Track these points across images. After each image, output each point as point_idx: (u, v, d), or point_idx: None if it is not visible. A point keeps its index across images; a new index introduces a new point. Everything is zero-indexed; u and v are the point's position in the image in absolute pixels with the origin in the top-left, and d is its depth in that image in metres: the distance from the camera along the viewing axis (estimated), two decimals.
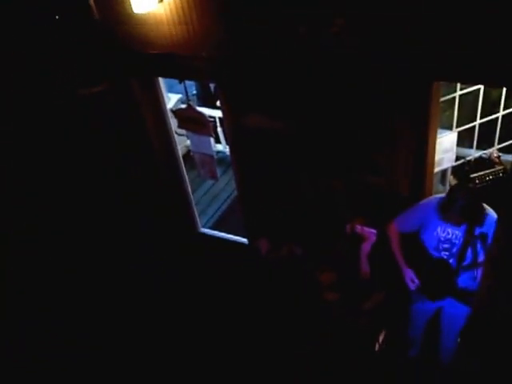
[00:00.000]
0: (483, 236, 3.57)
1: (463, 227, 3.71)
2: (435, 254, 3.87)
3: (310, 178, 4.66)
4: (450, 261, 3.81)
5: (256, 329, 4.85)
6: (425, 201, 3.96)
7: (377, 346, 4.66)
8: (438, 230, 3.79)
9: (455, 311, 3.97)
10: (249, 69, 4.27)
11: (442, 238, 3.80)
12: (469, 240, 3.67)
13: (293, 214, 4.90)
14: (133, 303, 5.26)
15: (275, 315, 4.72)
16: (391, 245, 4.08)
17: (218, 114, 6.76)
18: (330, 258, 4.69)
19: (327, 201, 4.70)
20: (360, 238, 4.41)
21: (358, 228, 4.37)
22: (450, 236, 3.76)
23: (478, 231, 3.63)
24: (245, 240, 5.67)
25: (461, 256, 3.75)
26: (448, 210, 3.66)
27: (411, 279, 3.97)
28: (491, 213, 3.68)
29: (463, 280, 3.81)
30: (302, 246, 4.79)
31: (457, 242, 3.74)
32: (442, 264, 3.84)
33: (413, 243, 4.01)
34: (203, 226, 6.25)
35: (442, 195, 3.85)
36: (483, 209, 3.66)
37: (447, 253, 3.80)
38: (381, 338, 4.74)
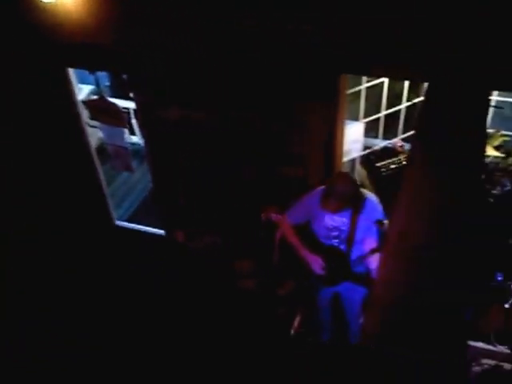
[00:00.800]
0: (380, 222, 3.75)
1: (348, 213, 3.85)
2: (326, 242, 4.04)
3: (226, 168, 4.72)
4: (341, 247, 4.01)
5: (176, 317, 4.87)
6: (311, 192, 4.05)
7: (292, 331, 4.82)
8: (326, 219, 3.94)
9: (352, 294, 4.21)
10: (159, 60, 4.24)
11: (331, 226, 3.95)
12: (354, 225, 3.85)
13: (210, 204, 4.94)
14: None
15: (194, 305, 4.76)
16: (287, 237, 4.18)
17: (131, 105, 6.62)
18: (247, 247, 4.79)
19: (243, 190, 4.79)
20: (275, 226, 4.53)
21: (273, 216, 4.47)
22: (337, 224, 3.93)
23: (374, 218, 3.81)
24: (162, 232, 5.65)
25: (349, 241, 3.94)
26: (327, 199, 3.75)
27: (320, 264, 4.07)
28: (370, 196, 3.91)
29: (357, 264, 4.00)
30: (220, 236, 4.85)
31: (344, 228, 3.91)
32: (334, 251, 4.04)
33: (306, 234, 4.16)
34: (119, 219, 6.14)
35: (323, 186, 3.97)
36: (361, 194, 3.84)
37: (337, 240, 4.00)
38: (296, 323, 4.91)
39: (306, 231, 4.14)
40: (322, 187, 3.95)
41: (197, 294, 4.83)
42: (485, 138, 2.43)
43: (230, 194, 4.80)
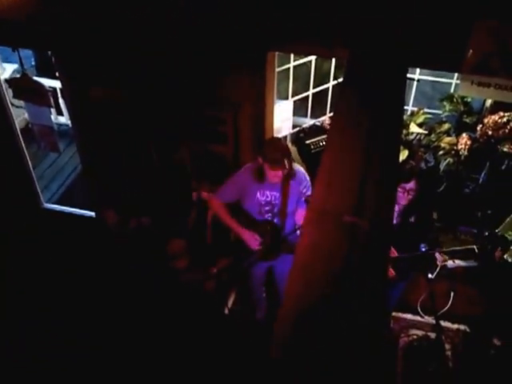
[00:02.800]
0: (307, 199, 3.82)
1: (278, 187, 3.92)
2: (259, 217, 4.10)
3: (156, 148, 4.66)
4: (275, 220, 4.07)
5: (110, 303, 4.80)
6: (241, 170, 4.09)
7: (226, 309, 4.86)
8: (258, 194, 3.99)
9: (287, 265, 4.27)
10: (84, 37, 4.11)
11: (263, 202, 4.02)
12: (286, 197, 3.92)
13: (140, 184, 4.87)
14: None
15: (128, 287, 4.70)
16: (220, 216, 4.19)
17: (58, 84, 6.41)
18: (178, 226, 4.76)
19: (174, 170, 4.75)
20: (207, 205, 4.53)
21: (205, 194, 4.47)
22: (269, 198, 4.00)
23: (303, 188, 3.90)
24: (92, 213, 5.53)
25: (282, 214, 4.01)
26: (260, 173, 3.84)
27: (255, 239, 4.11)
28: (299, 169, 3.99)
29: (291, 236, 3.99)
30: (150, 216, 4.79)
31: (276, 202, 3.99)
32: (268, 225, 4.10)
33: (238, 211, 4.20)
34: (47, 202, 5.96)
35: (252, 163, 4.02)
36: (292, 163, 3.87)
37: (270, 214, 4.06)
38: (230, 302, 4.95)
39: (238, 208, 4.18)
40: (251, 163, 3.99)
41: (128, 276, 4.78)
42: (402, 113, 2.51)
43: (160, 173, 4.75)
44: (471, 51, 3.49)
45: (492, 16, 3.33)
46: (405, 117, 4.95)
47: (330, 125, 2.17)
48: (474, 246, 3.73)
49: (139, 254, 4.70)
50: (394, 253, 3.94)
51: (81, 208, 5.71)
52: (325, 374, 1.83)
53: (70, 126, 5.34)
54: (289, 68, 4.65)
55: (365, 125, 1.96)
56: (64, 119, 7.17)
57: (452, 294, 4.63)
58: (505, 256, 4.27)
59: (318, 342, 1.68)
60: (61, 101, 6.90)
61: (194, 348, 4.43)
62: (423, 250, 3.83)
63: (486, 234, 4.34)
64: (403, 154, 4.69)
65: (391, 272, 4.01)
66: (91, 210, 5.53)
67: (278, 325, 1.82)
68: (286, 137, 5.11)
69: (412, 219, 4.04)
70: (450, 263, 4.72)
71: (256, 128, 4.37)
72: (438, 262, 4.10)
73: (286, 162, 3.70)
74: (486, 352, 4.32)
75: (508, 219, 4.19)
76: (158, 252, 4.55)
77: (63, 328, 4.83)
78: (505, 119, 4.59)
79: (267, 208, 4.03)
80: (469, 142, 4.63)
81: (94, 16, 3.91)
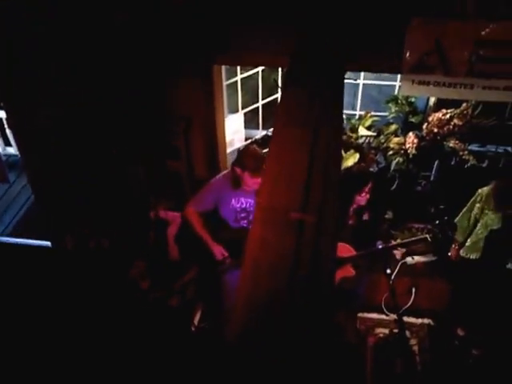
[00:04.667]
0: None
1: (253, 194, 3.95)
2: (235, 225, 4.11)
3: (109, 168, 4.60)
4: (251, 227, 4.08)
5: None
6: (215, 179, 4.12)
7: (192, 326, 4.79)
8: (233, 202, 4.02)
9: None
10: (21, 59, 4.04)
11: (238, 209, 4.04)
12: None
13: (96, 206, 4.79)
14: None
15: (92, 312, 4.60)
16: (193, 226, 4.18)
17: (3, 114, 6.27)
18: (138, 247, 4.70)
19: (130, 189, 4.70)
20: (165, 223, 4.50)
21: (162, 213, 4.44)
22: (244, 205, 4.03)
23: None
24: (48, 243, 5.39)
25: None
26: (237, 182, 3.89)
27: (221, 253, 4.11)
28: None
29: None
30: (109, 238, 4.72)
31: (251, 209, 4.02)
32: (244, 232, 4.09)
33: (213, 220, 4.20)
34: (0, 235, 5.79)
35: (228, 170, 4.08)
36: None
37: (245, 221, 4.08)
38: (197, 319, 4.88)
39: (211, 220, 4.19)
40: (226, 172, 4.04)
41: (92, 300, 4.68)
42: (342, 111, 2.58)
43: (115, 194, 4.69)
44: (408, 51, 3.62)
45: (425, 14, 3.47)
46: (353, 121, 5.08)
47: (274, 123, 2.23)
48: (427, 235, 3.83)
49: (101, 275, 4.62)
50: (352, 251, 4.02)
51: (36, 239, 5.56)
52: (276, 366, 1.83)
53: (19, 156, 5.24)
54: (236, 81, 4.70)
55: (309, 122, 2.00)
56: (13, 150, 7.00)
57: (414, 289, 4.73)
58: (461, 252, 4.38)
59: (268, 337, 1.69)
60: (8, 131, 6.75)
61: (161, 367, 4.36)
62: (380, 246, 3.93)
63: (437, 222, 4.46)
64: (354, 157, 4.80)
65: (351, 270, 4.08)
66: (47, 240, 5.39)
67: (231, 321, 1.82)
68: (239, 148, 5.15)
69: (366, 217, 4.13)
70: (409, 259, 4.83)
71: (208, 142, 4.39)
72: (397, 257, 4.19)
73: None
74: (450, 343, 4.40)
75: (464, 209, 4.33)
76: (120, 273, 4.48)
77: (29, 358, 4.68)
78: (448, 116, 4.77)
79: (243, 215, 4.06)
80: (416, 141, 4.77)
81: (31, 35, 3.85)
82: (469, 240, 4.26)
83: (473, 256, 4.23)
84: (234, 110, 4.88)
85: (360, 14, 3.46)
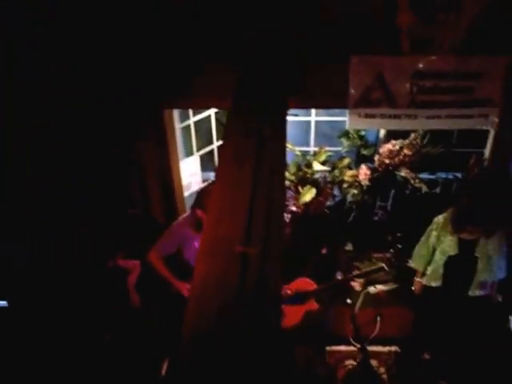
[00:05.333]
0: None
1: None
2: None
3: (61, 223, 4.54)
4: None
5: None
6: (175, 223, 4.14)
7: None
8: (196, 244, 4.00)
9: None
10: None
11: None
12: None
13: (52, 260, 4.69)
14: None
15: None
16: (158, 270, 4.17)
17: None
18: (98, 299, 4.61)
19: (86, 242, 4.63)
20: (125, 272, 4.45)
21: (121, 262, 4.40)
22: None
23: None
24: (4, 303, 5.21)
25: None
26: (200, 224, 3.84)
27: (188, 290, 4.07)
28: None
29: None
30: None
31: None
32: None
33: (177, 263, 4.19)
34: None
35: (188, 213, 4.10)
36: None
37: None
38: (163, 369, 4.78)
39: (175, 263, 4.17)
40: (186, 215, 4.05)
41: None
42: (285, 143, 2.67)
43: (70, 246, 4.61)
44: (352, 87, 3.79)
45: (364, 52, 3.65)
46: (308, 157, 5.19)
47: (218, 157, 2.30)
48: (383, 265, 3.91)
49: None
50: (313, 285, 4.06)
51: None
52: None
53: None
54: (190, 124, 4.77)
55: (250, 158, 2.06)
56: None
57: (378, 318, 4.77)
58: (423, 281, 4.37)
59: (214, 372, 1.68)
60: None
61: None
62: (339, 277, 3.98)
63: (391, 250, 4.52)
64: (311, 192, 4.88)
65: (315, 304, 4.11)
66: (3, 300, 5.21)
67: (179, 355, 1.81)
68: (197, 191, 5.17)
69: (325, 251, 4.19)
70: (371, 289, 4.88)
71: (164, 187, 4.40)
72: (356, 288, 4.23)
73: None
74: (417, 369, 4.43)
75: (422, 238, 4.36)
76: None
77: None
78: (397, 147, 4.93)
79: None
80: (368, 172, 4.91)
81: None
82: (429, 268, 4.27)
83: (434, 284, 4.24)
84: (190, 153, 4.92)
85: (302, 55, 3.62)
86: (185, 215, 4.11)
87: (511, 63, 3.66)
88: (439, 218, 4.19)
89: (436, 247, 4.18)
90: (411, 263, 4.42)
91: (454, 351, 4.26)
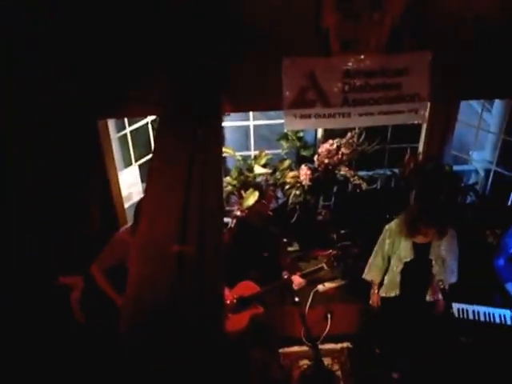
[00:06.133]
0: None
1: None
2: None
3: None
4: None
5: None
6: (116, 235, 4.07)
7: None
8: None
9: None
10: None
11: None
12: None
13: None
14: None
15: None
16: (99, 284, 4.10)
17: None
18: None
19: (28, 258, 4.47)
20: (68, 288, 4.33)
21: (63, 279, 4.28)
22: None
23: None
24: None
25: None
26: None
27: None
28: None
29: None
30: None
31: None
32: None
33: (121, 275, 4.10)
34: None
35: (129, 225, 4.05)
36: None
37: None
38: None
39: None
40: (125, 228, 4.00)
41: None
42: (221, 146, 2.67)
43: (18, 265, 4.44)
44: (286, 88, 3.83)
45: (296, 54, 3.71)
46: (249, 161, 5.21)
47: (151, 159, 2.29)
48: (323, 264, 3.96)
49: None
50: (256, 288, 4.07)
51: None
52: None
53: None
54: (126, 134, 4.69)
55: (182, 160, 2.06)
56: None
57: (329, 315, 4.83)
58: (380, 292, 4.33)
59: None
60: None
61: None
62: (286, 277, 4.01)
63: (336, 248, 4.53)
64: (254, 196, 4.90)
65: (260, 308, 4.12)
66: None
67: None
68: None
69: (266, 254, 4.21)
70: (320, 287, 4.95)
71: (104, 199, 4.31)
72: (294, 286, 4.22)
73: None
74: (370, 364, 4.50)
75: (375, 248, 4.31)
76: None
77: None
78: (335, 146, 5.03)
79: None
80: (309, 173, 4.98)
81: None
82: (386, 278, 4.23)
83: (393, 293, 4.19)
84: (129, 164, 4.85)
85: (236, 59, 3.64)
86: (126, 226, 4.04)
87: (436, 58, 3.79)
88: (391, 225, 4.16)
89: (391, 255, 4.14)
90: (366, 275, 4.34)
91: (404, 345, 4.32)
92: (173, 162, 2.06)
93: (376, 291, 4.32)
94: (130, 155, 4.81)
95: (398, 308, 4.23)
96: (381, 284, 4.28)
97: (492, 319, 4.17)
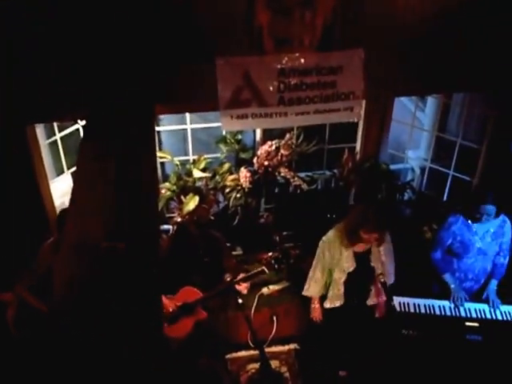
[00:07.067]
0: None
1: None
2: None
3: None
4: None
5: None
6: (42, 247, 3.93)
7: None
8: None
9: None
10: None
11: None
12: None
13: None
14: None
15: None
16: (28, 301, 3.94)
17: None
18: None
19: None
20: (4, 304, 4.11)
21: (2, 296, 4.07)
22: None
23: None
24: None
25: None
26: None
27: None
28: None
29: None
30: None
31: None
32: None
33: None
34: None
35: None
36: None
37: None
38: None
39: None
40: (50, 240, 3.86)
41: None
42: (150, 148, 2.59)
43: None
44: (221, 88, 3.77)
45: (229, 54, 3.66)
46: (187, 166, 5.12)
47: (77, 157, 2.20)
48: (263, 267, 3.94)
49: None
50: (198, 294, 3.98)
51: None
52: None
53: None
54: (56, 140, 4.48)
55: (110, 161, 1.97)
56: None
57: (275, 318, 4.79)
58: (324, 305, 4.23)
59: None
60: None
61: None
62: (228, 279, 3.94)
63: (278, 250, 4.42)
64: (194, 200, 4.81)
65: (203, 313, 4.03)
66: None
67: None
68: None
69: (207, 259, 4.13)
70: (265, 290, 4.91)
71: (36, 209, 4.11)
72: (242, 291, 4.14)
73: None
74: (317, 364, 4.48)
75: (314, 262, 4.20)
76: None
77: None
78: (274, 147, 5.02)
79: None
80: (248, 175, 4.95)
81: None
82: (330, 290, 4.13)
83: (338, 304, 4.14)
84: (61, 172, 4.64)
85: (168, 59, 3.56)
86: (48, 242, 3.90)
87: (369, 55, 3.84)
88: (329, 237, 4.04)
89: (333, 268, 4.04)
90: (306, 292, 4.25)
91: (348, 344, 4.32)
92: (99, 161, 1.97)
93: (317, 305, 4.25)
94: (61, 163, 4.60)
95: (341, 316, 4.18)
96: (324, 296, 4.21)
97: (432, 311, 4.25)
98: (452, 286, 4.25)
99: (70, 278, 1.78)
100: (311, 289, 4.20)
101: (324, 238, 4.07)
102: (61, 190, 4.51)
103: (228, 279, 4.05)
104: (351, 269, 3.96)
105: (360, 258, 3.98)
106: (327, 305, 4.17)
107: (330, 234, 4.04)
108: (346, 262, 3.96)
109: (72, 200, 2.11)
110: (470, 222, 4.16)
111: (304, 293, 4.24)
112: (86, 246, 1.84)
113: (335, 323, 4.25)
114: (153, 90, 3.30)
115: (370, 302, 4.14)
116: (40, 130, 4.12)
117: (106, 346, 1.63)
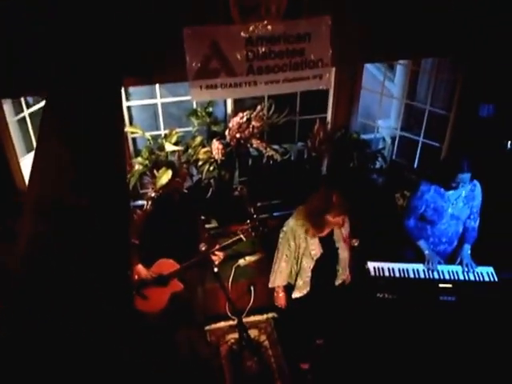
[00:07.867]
0: None
1: None
2: None
3: None
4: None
5: None
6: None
7: None
8: None
9: None
10: None
11: None
12: None
13: None
14: None
15: None
16: None
17: None
18: None
19: None
20: None
21: None
22: None
23: None
24: None
25: None
26: None
27: None
28: None
29: None
30: None
31: None
32: None
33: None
34: None
35: None
36: None
37: None
38: None
39: None
40: None
41: None
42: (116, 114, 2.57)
43: None
44: (189, 58, 3.75)
45: (196, 23, 3.63)
46: (159, 140, 5.09)
47: (40, 120, 2.20)
48: (241, 235, 3.95)
49: None
50: (175, 265, 3.99)
51: None
52: None
53: None
54: (25, 116, 4.40)
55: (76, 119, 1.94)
56: None
57: (252, 288, 4.85)
58: (293, 295, 4.09)
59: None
60: None
61: None
62: (203, 249, 3.95)
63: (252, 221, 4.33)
64: (168, 174, 4.77)
65: (179, 285, 4.03)
66: None
67: None
68: None
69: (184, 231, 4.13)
70: (241, 261, 4.96)
71: (6, 186, 4.05)
72: (214, 260, 4.15)
73: None
74: (295, 329, 4.54)
75: (277, 254, 4.07)
76: None
77: None
78: (245, 119, 5.01)
79: None
80: (220, 147, 4.94)
81: None
82: (299, 279, 3.99)
83: (305, 291, 4.02)
84: (31, 149, 4.56)
85: (135, 31, 3.51)
86: None
87: (336, 22, 3.84)
88: (290, 227, 3.89)
89: (299, 257, 3.91)
90: (272, 284, 4.11)
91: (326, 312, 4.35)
92: (65, 121, 1.95)
93: (281, 294, 4.12)
94: (31, 140, 4.52)
95: (309, 301, 4.08)
96: (292, 286, 4.08)
97: (406, 274, 4.32)
98: (426, 252, 4.29)
99: (34, 236, 1.77)
100: (277, 280, 4.06)
101: (284, 228, 3.93)
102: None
103: (203, 248, 4.06)
104: (319, 254, 3.87)
105: (326, 242, 3.90)
106: (296, 294, 4.04)
107: (291, 223, 3.90)
108: (313, 249, 3.85)
109: (34, 160, 2.10)
110: (443, 190, 4.17)
111: (270, 285, 4.13)
112: (49, 203, 1.84)
113: (306, 306, 4.16)
114: (120, 60, 3.26)
115: (338, 281, 4.09)
116: (8, 106, 4.04)
117: (71, 310, 1.63)
